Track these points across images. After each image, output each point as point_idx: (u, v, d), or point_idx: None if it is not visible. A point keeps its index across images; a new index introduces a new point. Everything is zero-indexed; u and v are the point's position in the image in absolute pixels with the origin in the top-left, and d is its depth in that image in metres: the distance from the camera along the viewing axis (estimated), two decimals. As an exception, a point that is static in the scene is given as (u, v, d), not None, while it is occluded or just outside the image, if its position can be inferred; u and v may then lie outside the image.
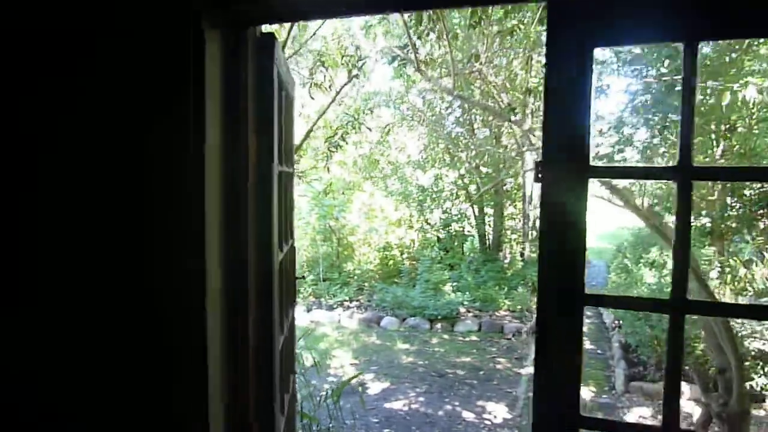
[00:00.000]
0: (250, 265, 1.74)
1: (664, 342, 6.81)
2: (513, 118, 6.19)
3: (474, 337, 9.81)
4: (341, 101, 8.26)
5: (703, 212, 7.41)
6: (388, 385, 7.65)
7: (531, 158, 13.97)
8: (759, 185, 5.96)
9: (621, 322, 9.32)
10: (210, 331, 1.46)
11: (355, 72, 5.47)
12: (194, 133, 1.41)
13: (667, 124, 5.87)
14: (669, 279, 7.55)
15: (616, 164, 6.17)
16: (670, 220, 13.44)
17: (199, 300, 1.43)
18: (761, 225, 7.34)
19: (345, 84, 5.54)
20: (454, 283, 11.50)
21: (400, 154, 13.71)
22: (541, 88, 6.36)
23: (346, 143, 6.20)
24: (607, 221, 32.48)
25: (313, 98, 5.68)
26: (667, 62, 5.71)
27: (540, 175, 1.41)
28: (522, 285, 11.96)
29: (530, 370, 8.14)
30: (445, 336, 9.89)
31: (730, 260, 11.03)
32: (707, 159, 6.47)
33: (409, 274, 12.12)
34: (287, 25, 5.20)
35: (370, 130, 7.30)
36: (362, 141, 12.26)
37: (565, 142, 1.40)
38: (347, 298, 11.41)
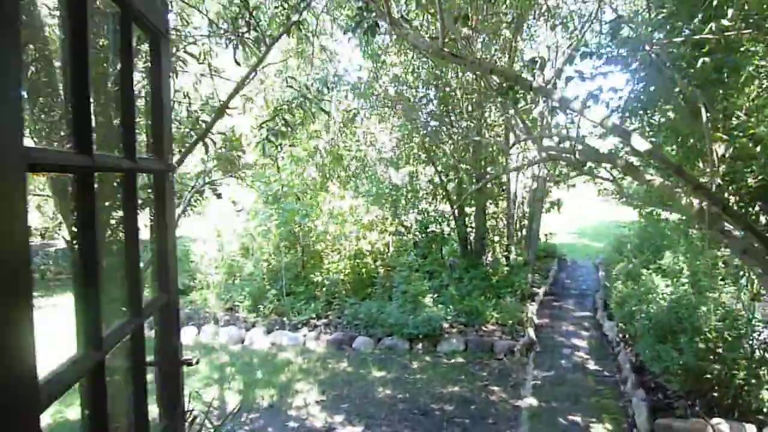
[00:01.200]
0: None
1: (699, 371, 5.59)
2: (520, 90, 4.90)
3: (460, 359, 8.50)
4: (285, 76, 6.92)
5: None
6: (362, 430, 6.27)
7: (517, 152, 12.80)
8: None
9: (627, 335, 8.13)
10: None
11: (294, 18, 4.06)
12: None
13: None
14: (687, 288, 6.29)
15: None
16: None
17: None
18: None
19: (280, 35, 4.11)
20: (435, 295, 10.18)
21: (370, 149, 12.33)
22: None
23: (293, 131, 4.82)
24: (585, 214, 31.85)
25: (238, 63, 4.23)
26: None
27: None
28: (510, 294, 10.71)
29: (531, 401, 6.86)
30: (428, 358, 8.57)
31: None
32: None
33: (384, 285, 10.75)
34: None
35: (328, 114, 5.88)
36: (322, 131, 10.78)
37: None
38: (314, 315, 9.99)
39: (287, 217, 9.96)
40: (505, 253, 12.82)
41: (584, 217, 29.48)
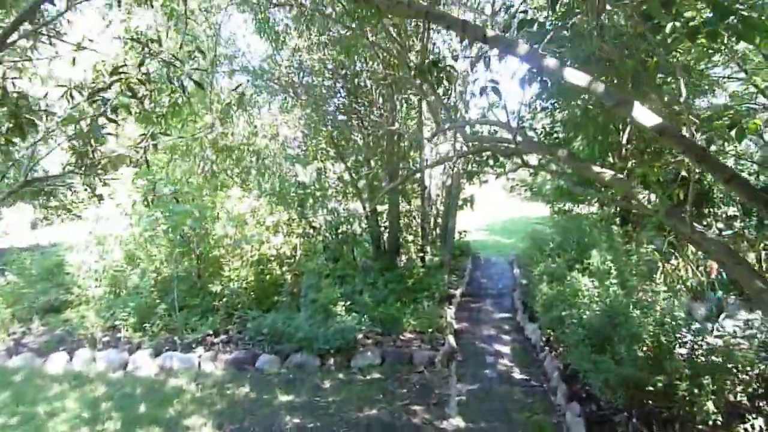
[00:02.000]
0: None
1: (639, 382, 5.09)
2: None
3: (377, 374, 7.69)
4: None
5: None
6: (265, 474, 5.29)
7: (430, 146, 12.19)
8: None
9: (552, 339, 7.67)
10: None
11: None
12: None
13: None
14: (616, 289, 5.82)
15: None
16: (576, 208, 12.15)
17: None
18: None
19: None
20: (348, 302, 9.30)
21: (272, 143, 11.20)
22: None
23: (143, 106, 3.74)
24: (493, 210, 32.29)
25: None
26: None
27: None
28: (427, 297, 10.05)
29: (457, 422, 6.16)
30: (341, 375, 7.68)
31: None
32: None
33: (291, 293, 9.74)
34: None
35: (201, 88, 4.77)
36: (207, 117, 9.50)
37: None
38: (211, 332, 8.79)
39: (177, 221, 8.64)
40: (421, 254, 12.20)
41: (493, 213, 29.83)
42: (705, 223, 12.37)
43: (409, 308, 9.41)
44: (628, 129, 12.46)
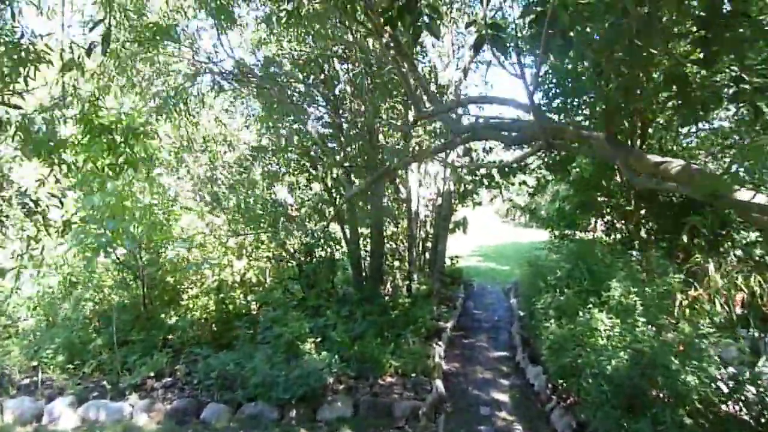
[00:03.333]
0: None
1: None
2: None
3: (348, 430, 6.25)
4: None
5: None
6: None
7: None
8: None
9: (564, 392, 6.28)
10: None
11: None
12: None
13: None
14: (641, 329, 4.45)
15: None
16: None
17: None
18: None
19: None
20: (319, 339, 7.91)
21: (225, 149, 9.88)
22: None
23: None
24: (485, 234, 31.06)
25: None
26: None
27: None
28: (413, 332, 8.67)
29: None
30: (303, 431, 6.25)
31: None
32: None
33: (252, 327, 8.34)
34: None
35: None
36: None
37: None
38: (152, 374, 7.34)
39: (107, 240, 7.21)
40: (407, 281, 10.82)
41: (486, 238, 28.60)
42: (722, 249, 11.13)
43: (391, 346, 8.01)
44: (637, 143, 11.27)
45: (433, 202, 11.89)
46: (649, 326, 5.35)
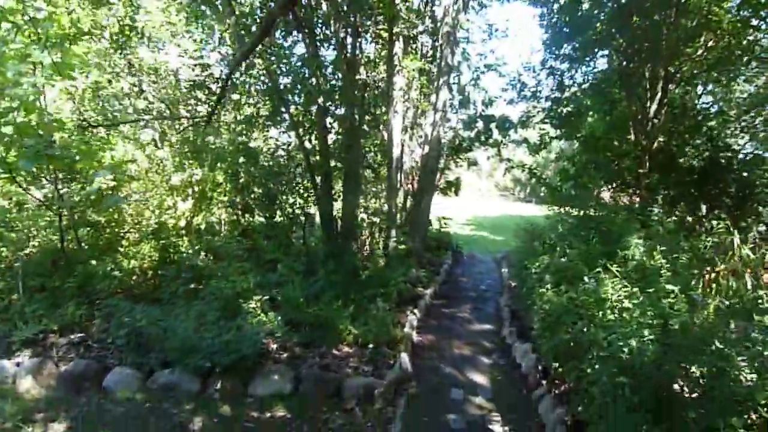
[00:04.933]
0: None
1: None
2: None
3: (281, 411, 4.96)
4: None
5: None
6: None
7: (400, 95, 9.48)
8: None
9: (558, 377, 4.97)
10: None
11: None
12: None
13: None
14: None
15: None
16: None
17: None
18: None
19: None
20: (266, 297, 6.58)
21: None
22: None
23: None
24: (484, 206, 29.74)
25: None
26: None
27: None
28: (381, 296, 7.34)
29: None
30: (227, 409, 4.95)
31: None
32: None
33: (192, 282, 7.00)
34: None
35: None
36: None
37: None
38: (54, 328, 6.01)
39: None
40: (383, 239, 9.45)
41: (482, 208, 27.29)
42: (745, 224, 9.75)
43: (353, 310, 6.68)
44: (657, 98, 9.79)
45: (420, 153, 10.45)
46: (683, 296, 3.97)
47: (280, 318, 6.08)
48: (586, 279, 4.65)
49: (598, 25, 9.96)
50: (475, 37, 32.82)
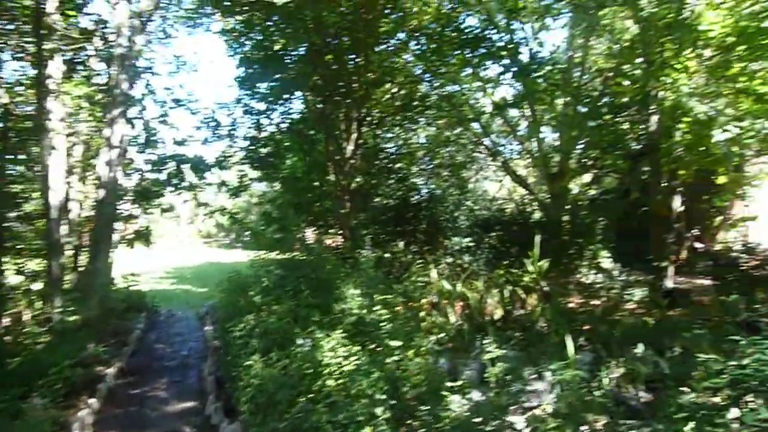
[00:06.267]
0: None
1: None
2: None
3: None
4: None
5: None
6: None
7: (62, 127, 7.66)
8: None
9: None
10: None
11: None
12: None
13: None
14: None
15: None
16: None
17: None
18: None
19: None
20: None
21: None
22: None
23: None
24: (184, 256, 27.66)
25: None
26: None
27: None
28: (40, 390, 5.40)
29: None
30: None
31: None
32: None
33: None
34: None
35: None
36: None
37: None
38: None
39: None
40: (43, 311, 7.28)
41: (182, 258, 25.30)
42: (437, 253, 10.52)
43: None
44: (353, 138, 9.97)
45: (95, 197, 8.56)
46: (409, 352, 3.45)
47: None
48: (299, 341, 3.84)
49: (292, 65, 9.77)
50: (162, 69, 30.94)
